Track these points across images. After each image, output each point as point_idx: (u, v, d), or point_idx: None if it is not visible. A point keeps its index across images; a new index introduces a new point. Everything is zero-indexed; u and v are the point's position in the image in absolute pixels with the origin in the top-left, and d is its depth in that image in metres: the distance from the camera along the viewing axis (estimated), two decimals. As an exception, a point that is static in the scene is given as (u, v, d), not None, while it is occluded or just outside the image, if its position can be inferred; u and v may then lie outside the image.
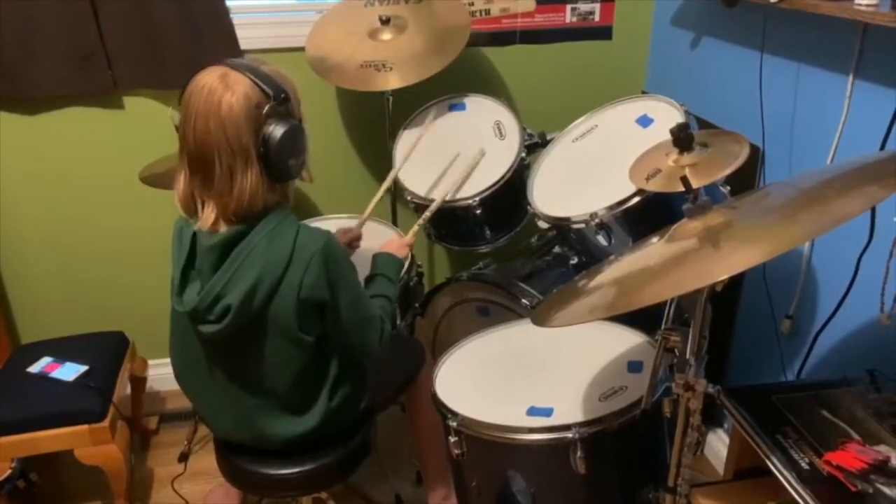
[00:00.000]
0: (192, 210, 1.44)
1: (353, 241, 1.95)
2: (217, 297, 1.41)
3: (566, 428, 1.50)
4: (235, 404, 1.56)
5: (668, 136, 1.57)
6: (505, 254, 2.36)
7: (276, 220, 1.43)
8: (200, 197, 1.41)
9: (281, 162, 1.37)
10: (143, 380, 2.47)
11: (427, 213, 1.99)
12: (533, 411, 1.59)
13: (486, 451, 1.61)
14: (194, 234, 1.45)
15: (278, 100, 1.35)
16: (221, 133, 1.33)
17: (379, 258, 1.77)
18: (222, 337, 1.45)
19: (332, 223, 2.22)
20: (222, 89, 1.33)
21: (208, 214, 1.40)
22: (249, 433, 1.60)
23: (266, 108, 1.34)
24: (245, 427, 1.59)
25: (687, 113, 1.88)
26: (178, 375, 1.65)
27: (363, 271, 1.71)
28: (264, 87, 1.35)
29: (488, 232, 2.17)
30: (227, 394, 1.56)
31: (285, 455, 1.63)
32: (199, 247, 1.44)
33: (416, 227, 1.95)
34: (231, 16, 2.32)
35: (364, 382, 1.70)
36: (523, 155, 2.09)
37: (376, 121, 2.40)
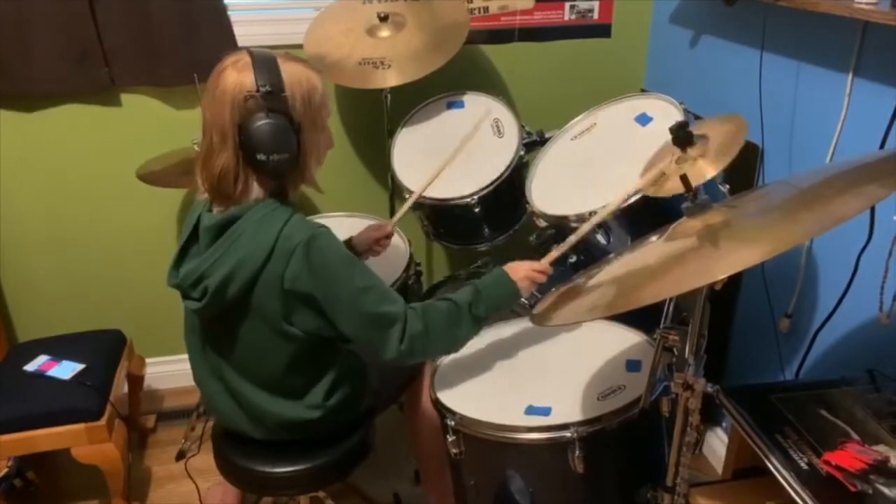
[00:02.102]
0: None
1: (381, 240, 1.95)
2: (201, 277, 1.44)
3: (564, 427, 1.50)
4: (229, 382, 1.57)
5: (666, 135, 1.56)
6: (503, 252, 2.35)
7: (269, 209, 1.43)
8: None
9: (251, 153, 1.38)
10: (141, 378, 2.47)
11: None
12: (531, 410, 1.58)
13: (485, 450, 1.60)
14: (201, 212, 1.49)
15: (263, 94, 1.36)
16: (210, 109, 1.40)
17: (492, 270, 1.63)
18: (207, 315, 1.49)
19: (329, 221, 2.21)
20: (227, 72, 1.38)
21: (199, 180, 1.47)
22: (245, 413, 1.60)
23: (250, 97, 1.36)
24: (240, 407, 1.59)
25: (686, 111, 1.87)
26: (189, 353, 1.65)
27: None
28: (258, 78, 1.37)
29: (487, 230, 2.17)
30: (220, 371, 1.57)
31: (283, 453, 1.63)
32: (201, 225, 1.48)
33: (554, 254, 1.69)
34: (229, 13, 2.32)
35: (364, 385, 1.70)
36: (522, 153, 2.08)
37: (374, 118, 2.39)
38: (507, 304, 1.62)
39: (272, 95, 1.37)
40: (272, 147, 1.39)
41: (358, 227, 2.06)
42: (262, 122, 1.37)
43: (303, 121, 1.43)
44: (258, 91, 1.36)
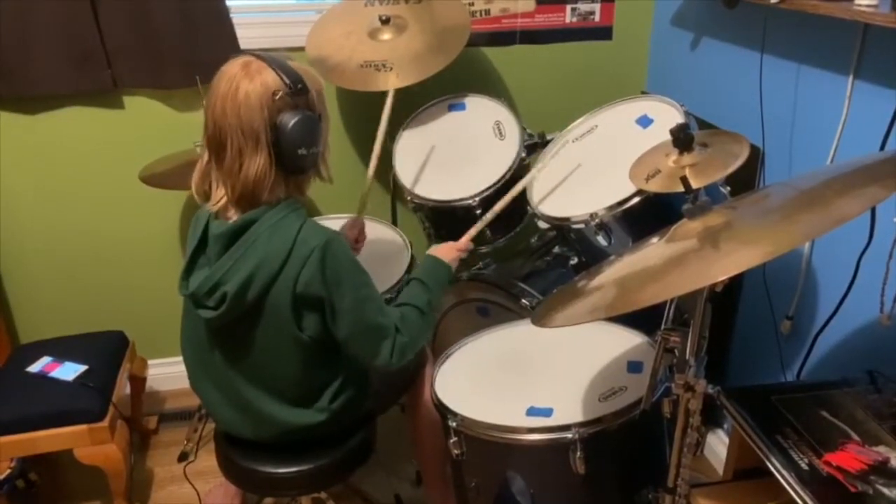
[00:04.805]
0: (202, 194, 1.49)
1: (360, 235, 1.98)
2: (217, 284, 1.44)
3: (566, 428, 1.50)
4: (235, 391, 1.57)
5: (667, 137, 1.57)
6: (505, 254, 2.36)
7: (283, 213, 1.44)
8: (215, 178, 1.46)
9: (290, 150, 1.39)
10: (143, 379, 2.47)
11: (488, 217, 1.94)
12: (532, 411, 1.59)
13: (486, 451, 1.61)
14: (208, 221, 1.49)
15: (294, 90, 1.38)
16: (236, 116, 1.37)
17: (423, 261, 1.75)
18: (222, 323, 1.48)
19: (330, 223, 2.22)
20: (242, 76, 1.38)
21: (220, 196, 1.45)
22: (249, 420, 1.60)
23: (280, 96, 1.37)
24: (244, 414, 1.59)
25: (687, 113, 1.87)
26: (186, 360, 1.66)
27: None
28: (283, 76, 1.38)
29: (488, 232, 2.16)
30: (226, 379, 1.57)
31: (285, 454, 1.63)
32: (210, 234, 1.48)
33: (472, 231, 1.89)
34: (231, 15, 2.32)
35: (368, 387, 1.70)
36: (523, 155, 2.09)
37: (376, 121, 2.39)
38: (447, 285, 1.74)
39: (300, 91, 1.39)
40: (311, 141, 1.42)
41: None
42: (298, 117, 1.38)
43: (321, 113, 1.47)
44: (289, 89, 1.37)
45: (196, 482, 2.13)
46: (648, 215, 1.74)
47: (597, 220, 1.79)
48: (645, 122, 1.95)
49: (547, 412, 1.58)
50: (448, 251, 1.77)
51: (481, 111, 2.25)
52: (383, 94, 2.25)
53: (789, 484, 1.26)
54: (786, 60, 1.88)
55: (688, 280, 1.10)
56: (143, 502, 2.26)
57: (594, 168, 1.97)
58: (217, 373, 1.58)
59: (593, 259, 1.91)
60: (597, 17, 2.59)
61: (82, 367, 2.10)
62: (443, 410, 1.63)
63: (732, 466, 1.62)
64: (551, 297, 1.50)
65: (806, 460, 1.30)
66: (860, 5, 1.48)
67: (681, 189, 1.26)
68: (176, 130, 2.40)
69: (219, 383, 1.59)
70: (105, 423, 2.00)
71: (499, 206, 1.93)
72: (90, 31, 2.22)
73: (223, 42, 2.31)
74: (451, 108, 2.29)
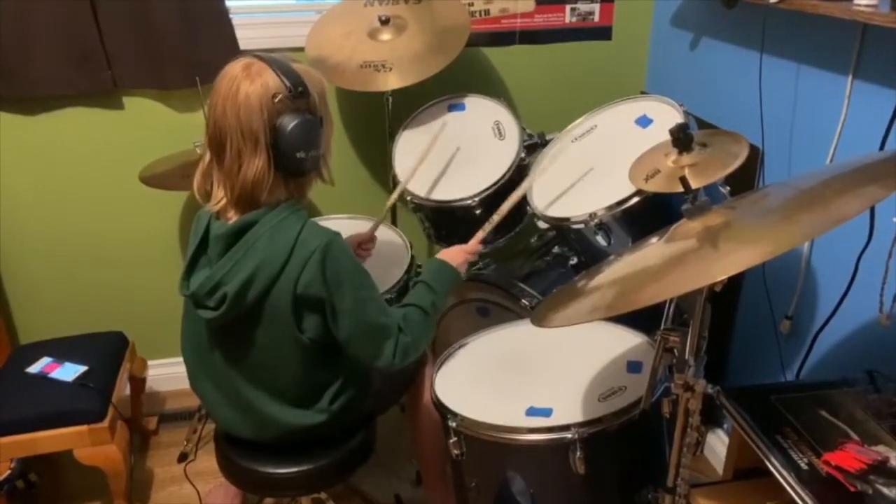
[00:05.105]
0: (203, 194, 1.50)
1: (364, 244, 1.96)
2: (217, 285, 1.44)
3: (565, 428, 1.50)
4: (235, 391, 1.57)
5: (667, 137, 1.57)
6: (504, 254, 2.36)
7: (284, 215, 1.44)
8: (216, 178, 1.46)
9: (289, 153, 1.39)
10: (143, 380, 2.47)
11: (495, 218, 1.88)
12: (532, 412, 1.59)
13: (486, 451, 1.61)
14: (209, 221, 1.49)
15: (295, 92, 1.38)
16: (235, 117, 1.37)
17: (427, 264, 1.75)
18: (222, 324, 1.48)
19: (330, 223, 2.22)
20: (243, 77, 1.38)
21: (219, 196, 1.46)
22: (249, 421, 1.60)
23: (280, 98, 1.37)
24: (244, 414, 1.59)
25: (686, 113, 1.87)
26: (186, 361, 1.66)
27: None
28: (284, 78, 1.38)
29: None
30: (227, 380, 1.57)
31: (285, 454, 1.64)
32: (211, 235, 1.48)
33: (480, 234, 1.85)
34: (231, 16, 2.32)
35: (368, 388, 1.70)
36: (522, 155, 2.09)
37: (376, 121, 2.40)
38: (453, 288, 1.73)
39: (301, 94, 1.39)
40: (310, 144, 1.42)
41: (359, 228, 2.07)
42: (297, 120, 1.38)
43: (322, 116, 1.47)
44: (289, 92, 1.37)
45: (196, 482, 2.13)
46: (648, 215, 1.74)
47: (596, 220, 1.79)
48: (644, 122, 1.95)
49: (546, 412, 1.58)
50: (456, 254, 1.76)
51: (481, 111, 2.25)
52: (383, 95, 2.26)
53: (789, 484, 1.26)
54: (785, 60, 1.88)
55: (687, 280, 1.10)
56: (144, 503, 2.26)
57: (594, 168, 1.97)
58: (217, 373, 1.58)
59: (593, 259, 1.91)
60: (596, 18, 2.59)
61: (82, 368, 2.11)
62: (443, 410, 1.63)
63: (732, 466, 1.62)
64: (551, 298, 1.50)
65: (805, 460, 1.30)
66: (859, 5, 1.48)
67: (680, 189, 1.26)
68: (176, 131, 2.40)
69: (219, 384, 1.60)
70: (105, 423, 2.00)
71: (505, 206, 1.88)
72: (90, 31, 2.22)
73: (223, 42, 2.31)
74: (451, 108, 2.29)
